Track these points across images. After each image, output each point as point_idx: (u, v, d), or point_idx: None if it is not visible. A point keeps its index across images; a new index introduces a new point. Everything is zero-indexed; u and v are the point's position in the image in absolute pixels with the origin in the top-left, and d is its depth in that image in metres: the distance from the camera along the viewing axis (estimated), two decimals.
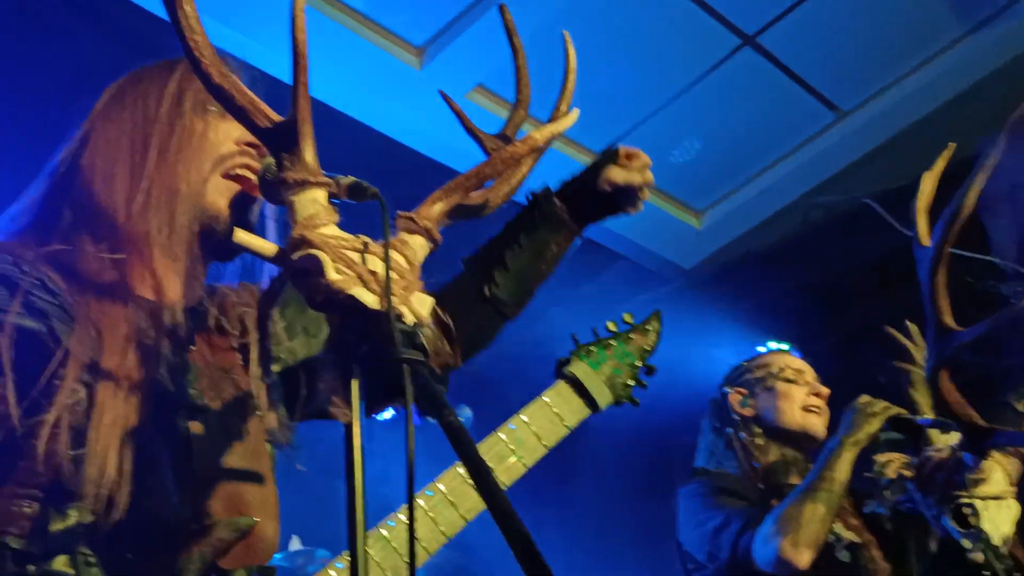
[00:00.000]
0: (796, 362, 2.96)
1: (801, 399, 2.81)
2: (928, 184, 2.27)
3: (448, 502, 1.54)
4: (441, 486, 1.55)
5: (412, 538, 1.00)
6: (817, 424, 2.80)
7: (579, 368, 1.81)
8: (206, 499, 1.36)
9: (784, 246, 6.28)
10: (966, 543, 2.53)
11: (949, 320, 2.15)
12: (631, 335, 1.94)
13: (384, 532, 1.48)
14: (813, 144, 5.60)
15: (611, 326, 1.95)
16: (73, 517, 1.25)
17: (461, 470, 1.54)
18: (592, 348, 1.88)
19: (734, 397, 2.88)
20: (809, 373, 2.90)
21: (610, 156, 1.79)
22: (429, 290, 1.75)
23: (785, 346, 3.05)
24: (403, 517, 1.51)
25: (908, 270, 2.35)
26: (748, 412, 2.84)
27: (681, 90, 5.14)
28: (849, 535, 2.63)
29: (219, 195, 1.47)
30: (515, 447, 1.65)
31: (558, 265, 1.80)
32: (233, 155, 1.48)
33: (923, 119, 5.32)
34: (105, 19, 3.97)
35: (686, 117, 5.34)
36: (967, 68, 5.06)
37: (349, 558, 1.00)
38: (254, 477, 1.44)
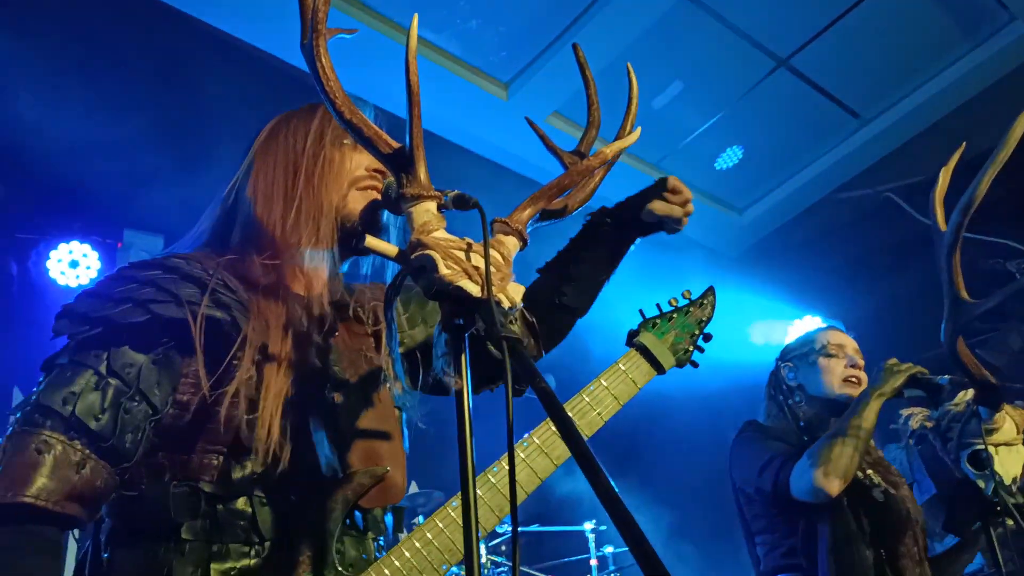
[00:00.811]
0: (839, 337, 2.85)
1: (840, 372, 2.72)
2: (944, 177, 2.21)
3: (541, 451, 1.55)
4: (535, 438, 1.57)
5: (512, 480, 1.02)
6: (855, 393, 2.71)
7: (646, 337, 1.80)
8: (348, 453, 1.40)
9: (816, 236, 6.15)
10: (981, 483, 2.48)
11: (964, 294, 2.10)
12: (690, 308, 1.92)
13: (490, 477, 1.50)
14: (840, 147, 5.46)
15: (673, 301, 1.93)
16: (249, 467, 1.30)
17: (551, 426, 1.55)
18: (657, 320, 1.87)
19: (783, 370, 2.83)
20: (850, 347, 2.80)
21: (659, 187, 1.76)
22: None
23: (836, 324, 2.94)
24: (504, 464, 1.52)
25: (925, 253, 2.30)
26: (795, 383, 2.78)
27: (725, 107, 5.06)
28: (884, 484, 2.57)
29: (354, 206, 1.51)
30: (594, 404, 1.66)
31: (616, 263, 1.81)
32: (364, 178, 1.52)
33: (936, 123, 5.15)
34: (255, 72, 4.09)
35: (729, 130, 5.26)
36: (974, 78, 4.88)
37: (461, 498, 1.02)
38: (386, 435, 1.48)
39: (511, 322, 1.65)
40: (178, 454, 1.30)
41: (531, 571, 5.45)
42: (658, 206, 1.74)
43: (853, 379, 2.71)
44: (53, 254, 4.61)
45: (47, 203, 4.61)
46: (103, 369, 1.26)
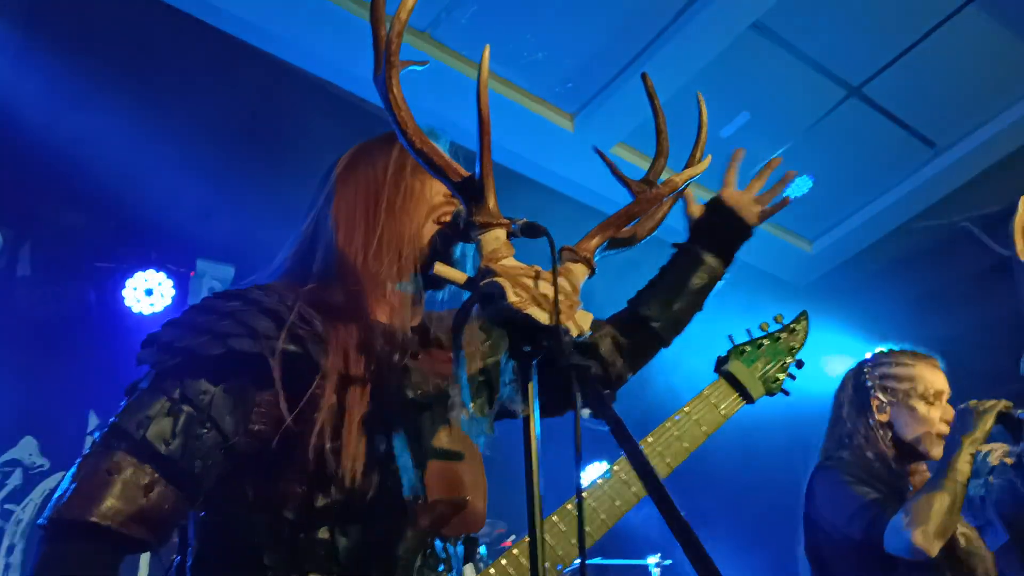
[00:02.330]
0: (940, 382, 2.68)
1: (936, 427, 2.56)
2: (1023, 205, 2.13)
3: (623, 482, 1.52)
4: (617, 468, 1.53)
5: (581, 522, 1.00)
6: (938, 452, 2.54)
7: (735, 366, 1.76)
8: (429, 480, 1.39)
9: (889, 267, 5.99)
10: None
11: None
12: (781, 334, 1.87)
13: (569, 506, 1.47)
14: (913, 177, 5.32)
15: (764, 327, 1.89)
16: (331, 496, 1.30)
17: None
18: (746, 347, 1.83)
19: (875, 401, 2.64)
20: (946, 394, 2.64)
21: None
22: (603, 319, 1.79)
23: (936, 358, 2.73)
24: (588, 495, 1.51)
25: (1001, 284, 2.21)
26: (884, 418, 2.61)
27: (794, 137, 4.99)
28: (964, 527, 2.45)
29: (431, 235, 1.50)
30: (681, 435, 1.62)
31: (704, 296, 1.80)
32: (443, 205, 1.52)
33: (1014, 152, 4.98)
34: (329, 106, 4.19)
35: (798, 160, 5.17)
36: None
37: (529, 530, 1.00)
38: (468, 462, 1.46)
39: (586, 347, 1.65)
40: (262, 482, 1.32)
41: None
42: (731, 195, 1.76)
43: (943, 435, 2.56)
44: (129, 283, 4.74)
45: (123, 233, 4.77)
46: (177, 396, 1.29)
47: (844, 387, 2.76)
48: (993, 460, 2.52)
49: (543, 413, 1.56)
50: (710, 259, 1.80)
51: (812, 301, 6.20)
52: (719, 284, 1.82)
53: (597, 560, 5.68)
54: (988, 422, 2.35)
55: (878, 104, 4.76)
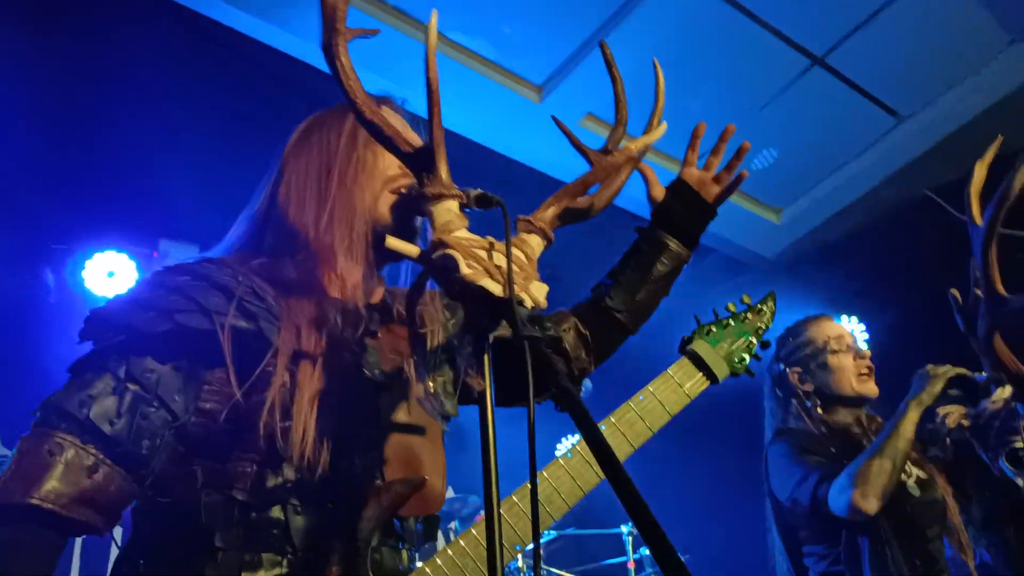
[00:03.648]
0: (835, 329, 2.80)
1: (852, 368, 2.67)
2: (979, 171, 2.15)
3: (585, 462, 1.50)
4: (580, 449, 1.51)
5: (535, 499, 0.99)
6: (871, 387, 2.67)
7: (700, 345, 1.73)
8: (387, 459, 1.37)
9: (852, 237, 6.03)
10: (1020, 481, 2.42)
11: (1000, 288, 2.04)
12: (747, 315, 1.85)
13: (514, 497, 1.46)
14: (877, 146, 5.34)
15: (730, 307, 1.87)
16: (283, 475, 1.28)
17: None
18: (712, 327, 1.80)
19: (792, 376, 2.75)
20: (848, 336, 2.75)
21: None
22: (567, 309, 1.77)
23: (825, 314, 2.86)
24: (545, 475, 1.48)
25: (963, 252, 2.24)
26: (808, 387, 2.72)
27: (760, 106, 4.98)
28: (918, 472, 2.52)
29: (387, 208, 1.48)
30: (643, 414, 1.59)
31: (670, 282, 1.77)
32: (398, 177, 1.49)
33: (974, 120, 5.01)
34: (292, 81, 4.11)
35: (763, 131, 5.18)
36: (1012, 73, 4.73)
37: (484, 506, 0.98)
38: (427, 442, 1.44)
39: (557, 339, 1.63)
40: (211, 462, 1.29)
41: (569, 574, 5.41)
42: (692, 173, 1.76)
43: (865, 371, 2.66)
44: (89, 264, 4.63)
45: (82, 213, 4.65)
46: (122, 374, 1.25)
47: (767, 383, 2.84)
48: (951, 423, 2.57)
49: (499, 402, 1.55)
50: (674, 244, 1.76)
51: (778, 270, 6.28)
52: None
53: (571, 530, 5.73)
54: (937, 386, 2.42)
55: (842, 73, 4.76)
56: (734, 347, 1.78)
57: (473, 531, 1.36)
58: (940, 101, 4.99)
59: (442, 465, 1.46)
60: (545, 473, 1.46)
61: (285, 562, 1.26)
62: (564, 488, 1.46)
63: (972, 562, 2.52)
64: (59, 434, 1.20)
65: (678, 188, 1.83)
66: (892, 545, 2.37)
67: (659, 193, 1.85)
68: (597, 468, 1.50)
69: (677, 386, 1.66)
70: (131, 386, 1.25)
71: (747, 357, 1.80)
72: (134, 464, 1.24)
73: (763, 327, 1.86)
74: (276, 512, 1.27)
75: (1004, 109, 4.88)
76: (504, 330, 1.09)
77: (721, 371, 1.72)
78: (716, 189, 1.82)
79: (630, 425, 1.57)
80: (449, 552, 1.34)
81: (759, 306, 1.88)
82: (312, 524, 1.28)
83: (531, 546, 1.52)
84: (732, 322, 1.82)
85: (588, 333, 1.70)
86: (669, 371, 1.68)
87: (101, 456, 1.21)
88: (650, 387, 1.64)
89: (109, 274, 4.60)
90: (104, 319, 1.30)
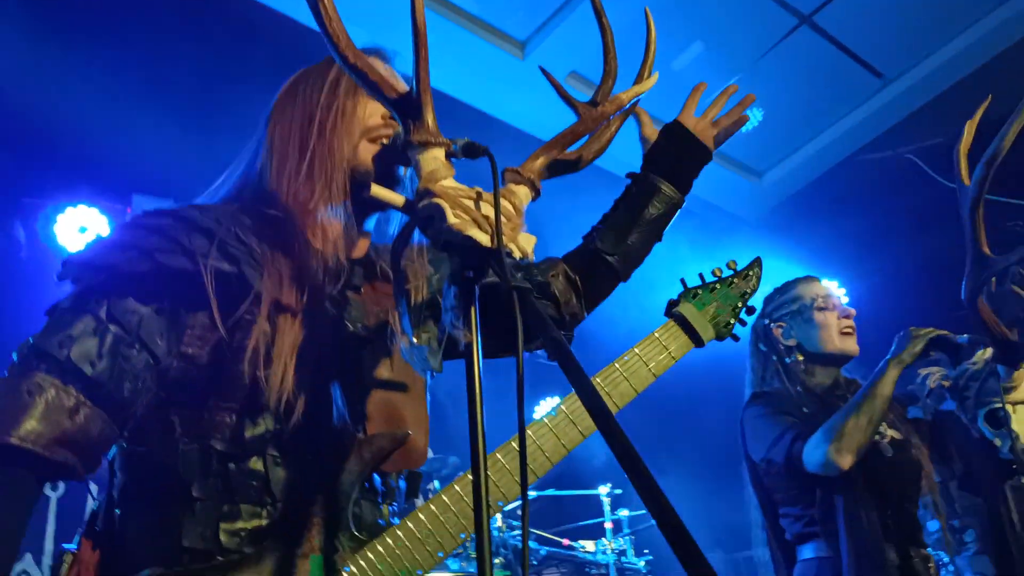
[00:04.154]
0: (822, 288, 2.82)
1: (836, 325, 2.69)
2: (969, 131, 2.15)
3: (569, 421, 1.48)
4: (564, 407, 1.49)
5: (523, 442, 0.98)
6: (852, 344, 2.70)
7: (686, 308, 1.72)
8: (369, 414, 1.36)
9: (836, 199, 6.05)
10: (997, 441, 2.46)
11: (986, 249, 2.05)
12: (734, 279, 1.84)
13: (514, 444, 1.44)
14: (861, 108, 5.34)
15: (717, 272, 1.86)
16: (263, 425, 1.27)
17: None
18: (699, 291, 1.79)
19: (776, 331, 2.77)
20: (835, 296, 2.78)
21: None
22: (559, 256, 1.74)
23: (812, 275, 2.89)
24: (530, 433, 1.46)
25: (945, 216, 2.25)
26: (792, 343, 2.74)
27: (746, 68, 4.95)
28: (892, 433, 2.56)
29: (368, 157, 1.45)
30: (627, 375, 1.58)
31: (662, 227, 1.73)
32: (379, 127, 1.46)
33: (959, 82, 5.02)
34: (267, 31, 4.02)
35: (750, 92, 5.14)
36: (999, 35, 4.73)
37: (471, 460, 0.98)
38: (410, 398, 1.43)
39: (546, 283, 1.60)
40: (189, 411, 1.27)
41: (547, 535, 5.47)
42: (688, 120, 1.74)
43: (848, 330, 2.68)
44: (60, 219, 4.54)
45: (54, 167, 4.55)
46: (103, 315, 1.23)
47: (751, 340, 2.85)
48: (931, 383, 2.60)
49: (486, 353, 1.54)
50: (666, 187, 1.72)
51: (762, 233, 6.30)
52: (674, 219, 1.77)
53: (550, 492, 5.78)
54: (917, 346, 2.44)
55: (828, 33, 4.73)
56: (720, 311, 1.77)
57: (456, 486, 1.36)
58: (925, 63, 4.99)
59: (425, 421, 1.45)
60: (529, 431, 1.46)
61: (264, 513, 1.25)
62: (548, 446, 1.46)
63: (945, 524, 2.57)
64: (39, 374, 1.17)
65: (673, 129, 1.78)
66: (866, 505, 2.40)
67: (651, 133, 1.81)
68: (581, 426, 1.49)
69: (663, 348, 1.65)
70: (112, 327, 1.22)
71: (733, 321, 1.80)
72: (115, 407, 1.22)
73: (749, 292, 1.85)
74: (255, 463, 1.26)
75: (989, 73, 4.89)
76: (491, 278, 1.07)
77: (707, 334, 1.71)
78: (713, 131, 1.78)
79: (615, 385, 1.57)
80: (432, 507, 1.33)
81: (746, 271, 1.88)
82: (292, 476, 1.27)
83: (511, 505, 1.51)
84: (719, 286, 1.82)
85: (577, 278, 1.67)
86: (655, 333, 1.68)
87: (82, 398, 1.18)
88: (636, 348, 1.63)
89: (81, 229, 4.52)
90: (84, 260, 1.27)
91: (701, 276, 1.85)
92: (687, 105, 1.81)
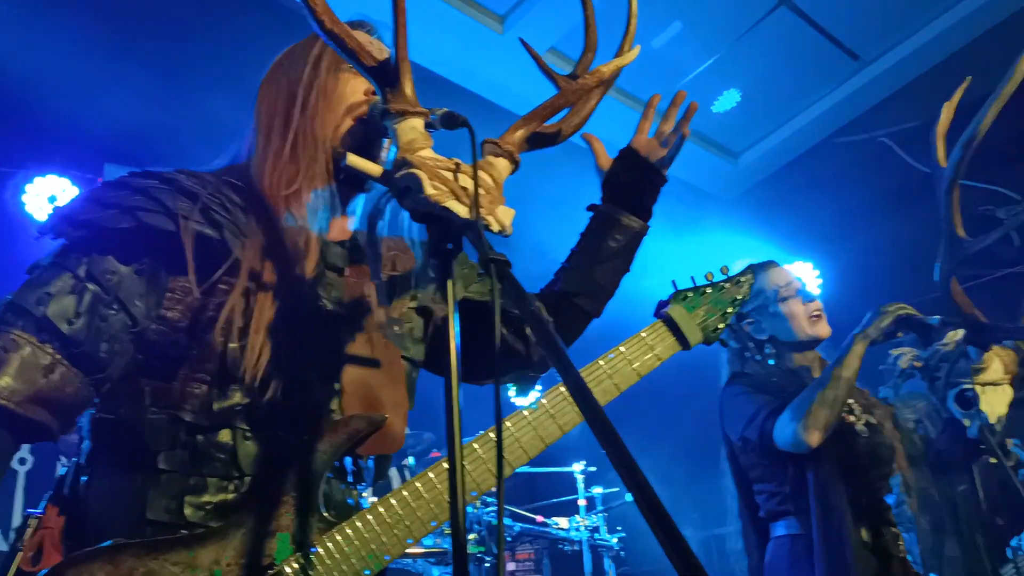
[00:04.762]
0: (782, 275, 2.80)
1: (802, 311, 2.69)
2: (946, 113, 2.15)
3: (549, 415, 1.46)
4: (544, 401, 1.47)
5: (499, 425, 0.97)
6: (824, 328, 2.70)
7: (675, 310, 1.69)
8: (347, 396, 1.34)
9: (811, 181, 6.09)
10: (967, 422, 2.48)
11: (961, 231, 2.06)
12: (726, 285, 1.82)
13: (491, 435, 1.40)
14: (837, 91, 5.36)
15: (709, 276, 1.85)
16: (234, 398, 1.25)
17: (562, 389, 1.48)
18: (689, 294, 1.77)
19: (747, 327, 2.77)
20: (795, 282, 2.77)
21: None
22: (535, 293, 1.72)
23: (771, 261, 2.87)
24: (508, 424, 1.43)
25: (918, 199, 2.25)
26: (764, 337, 2.74)
27: (724, 47, 4.94)
28: (867, 417, 2.58)
29: (349, 134, 1.43)
30: (612, 373, 1.56)
31: (629, 258, 1.71)
32: (361, 104, 1.44)
33: (934, 67, 5.05)
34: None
35: (728, 72, 5.14)
36: (974, 20, 4.75)
37: (447, 442, 0.96)
38: (390, 381, 1.41)
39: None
40: (160, 380, 1.25)
41: (521, 511, 5.50)
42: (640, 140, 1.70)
43: (816, 313, 2.69)
44: (29, 188, 4.45)
45: (23, 135, 4.44)
46: (82, 273, 1.21)
47: (724, 336, 2.85)
48: (903, 363, 2.62)
49: (467, 377, 1.52)
50: (625, 218, 1.71)
51: (738, 214, 6.33)
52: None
53: (524, 469, 5.80)
54: (884, 321, 2.44)
55: (806, 14, 4.73)
56: (710, 315, 1.76)
57: (430, 474, 1.33)
58: (901, 47, 5.01)
59: (404, 405, 1.42)
60: (508, 423, 1.43)
61: (231, 487, 1.23)
62: (525, 439, 1.43)
63: (916, 505, 2.60)
64: (14, 331, 1.15)
65: (626, 156, 1.77)
66: (837, 482, 2.42)
67: (606, 163, 1.79)
68: (560, 421, 1.47)
69: (648, 348, 1.63)
70: (91, 286, 1.21)
71: (722, 326, 1.78)
72: (92, 367, 1.20)
73: (740, 298, 1.84)
74: (224, 436, 1.24)
75: (965, 57, 4.92)
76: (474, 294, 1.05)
77: (694, 337, 1.70)
78: (663, 152, 1.76)
79: (598, 382, 1.54)
80: (404, 492, 1.31)
81: (738, 277, 1.87)
82: (262, 451, 1.26)
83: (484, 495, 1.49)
84: (710, 290, 1.80)
85: (551, 320, 1.67)
86: (642, 333, 1.65)
87: (58, 356, 1.17)
88: (621, 347, 1.61)
89: (51, 199, 4.43)
90: (65, 213, 1.25)
91: (692, 279, 1.84)
92: (640, 127, 1.79)
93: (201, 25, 3.96)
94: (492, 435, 1.40)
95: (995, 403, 2.49)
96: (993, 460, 2.46)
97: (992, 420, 2.47)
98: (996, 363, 2.48)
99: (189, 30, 4.01)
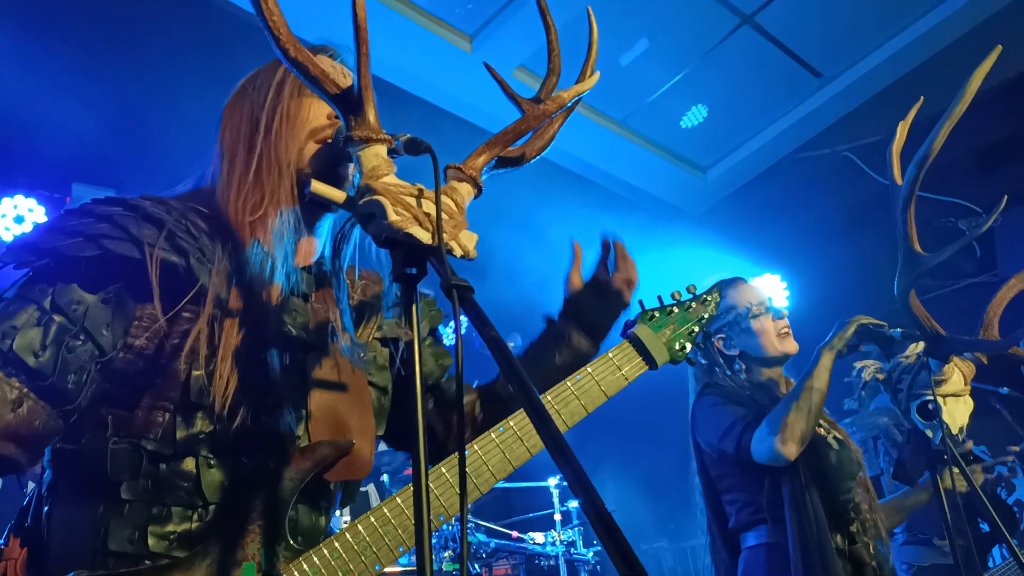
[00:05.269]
0: (753, 292, 2.83)
1: (772, 328, 2.72)
2: (901, 131, 2.19)
3: (517, 437, 1.45)
4: (512, 423, 1.46)
5: (462, 445, 0.98)
6: (791, 344, 2.74)
7: (642, 330, 1.69)
8: (314, 422, 1.33)
9: (777, 195, 6.17)
10: (929, 433, 2.51)
11: (917, 247, 2.10)
12: (692, 303, 1.82)
13: (443, 468, 1.39)
14: (801, 107, 5.45)
15: (676, 295, 1.85)
16: (197, 426, 1.23)
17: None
18: (656, 313, 1.76)
19: (718, 343, 2.79)
20: (763, 301, 2.80)
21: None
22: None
23: (739, 278, 2.87)
24: (476, 447, 1.42)
25: (881, 212, 2.29)
26: (735, 353, 2.77)
27: (690, 64, 5.01)
28: (836, 432, 2.62)
29: (314, 157, 1.42)
30: (579, 394, 1.55)
31: (569, 373, 1.62)
32: (325, 127, 1.43)
33: (895, 83, 5.15)
34: (207, 21, 3.94)
35: (694, 88, 5.22)
36: (933, 37, 4.86)
37: (412, 463, 0.96)
38: (357, 407, 1.40)
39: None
40: (123, 409, 1.23)
41: (497, 527, 5.48)
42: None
43: (785, 331, 2.73)
44: None
45: None
46: (47, 304, 1.19)
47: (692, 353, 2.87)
48: (866, 376, 2.65)
49: (389, 443, 1.54)
50: (577, 338, 1.69)
51: (707, 228, 6.39)
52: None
53: (500, 484, 5.78)
54: (848, 331, 2.49)
55: (769, 33, 4.81)
56: (676, 334, 1.76)
57: (398, 499, 1.32)
58: (862, 64, 5.11)
59: (372, 430, 1.41)
60: (475, 445, 1.43)
61: (195, 516, 1.22)
62: (493, 461, 1.43)
63: (880, 518, 2.62)
64: None
65: (600, 286, 1.74)
66: (814, 490, 2.44)
67: (577, 283, 1.76)
68: (528, 443, 1.46)
69: (616, 368, 1.62)
70: (57, 317, 1.19)
71: (688, 345, 1.78)
72: (60, 399, 1.18)
73: (707, 317, 1.85)
74: (188, 464, 1.23)
75: (923, 74, 5.03)
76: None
77: (661, 357, 1.69)
78: (629, 291, 1.76)
79: (566, 403, 1.53)
80: (371, 519, 1.30)
81: (705, 296, 1.88)
82: (226, 479, 1.24)
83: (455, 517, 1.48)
84: (676, 309, 1.80)
85: (481, 416, 1.66)
86: (609, 353, 1.65)
87: (25, 390, 1.15)
88: (588, 368, 1.60)
89: (18, 219, 4.38)
90: (28, 242, 1.23)
91: (660, 299, 1.84)
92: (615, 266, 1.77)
93: (172, 48, 3.94)
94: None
95: (956, 414, 2.52)
96: (955, 470, 2.49)
97: (955, 431, 2.50)
98: (956, 374, 2.52)
99: (161, 53, 3.99)
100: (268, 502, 1.23)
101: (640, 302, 1.81)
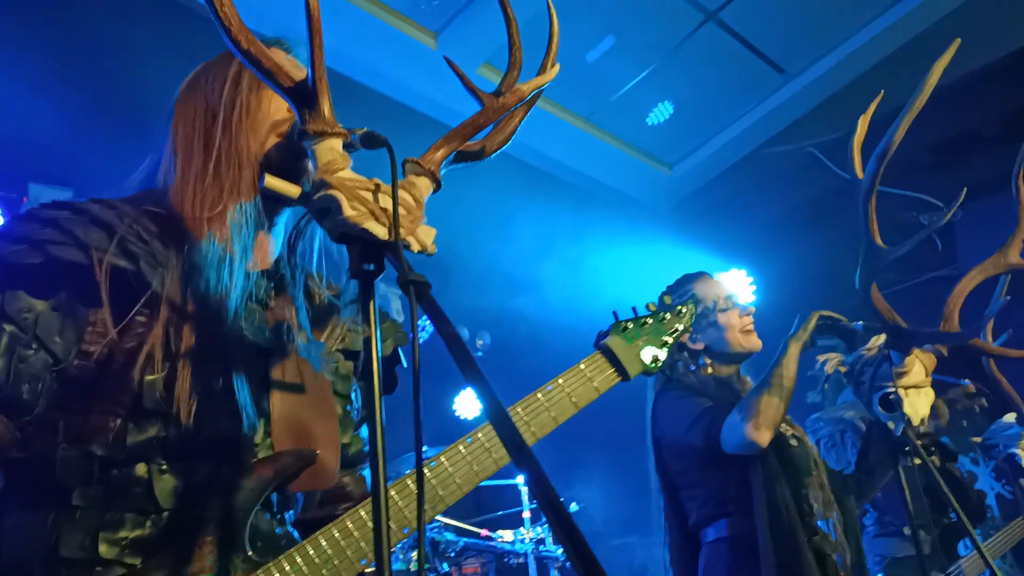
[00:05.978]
0: (720, 288, 2.85)
1: (738, 323, 2.74)
2: (862, 126, 2.21)
3: (485, 449, 1.42)
4: (480, 434, 1.43)
5: (420, 466, 0.95)
6: (755, 341, 2.76)
7: (615, 341, 1.68)
8: (276, 430, 1.30)
9: (742, 191, 6.21)
10: (891, 424, 2.54)
11: (878, 240, 2.12)
12: (666, 315, 1.81)
13: (426, 470, 1.36)
14: (765, 103, 5.49)
15: (650, 307, 1.84)
16: (150, 432, 1.20)
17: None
18: (629, 324, 1.74)
19: (684, 337, 2.81)
20: (730, 296, 2.82)
21: None
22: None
23: (705, 272, 2.89)
24: (443, 459, 1.39)
25: (846, 206, 2.31)
26: (699, 347, 2.78)
27: (657, 61, 5.02)
28: (792, 429, 2.64)
29: (275, 149, 1.39)
30: (549, 405, 1.52)
31: None
32: (286, 120, 1.40)
33: (858, 78, 5.20)
34: (168, 14, 3.87)
35: (660, 85, 5.23)
36: (895, 33, 4.92)
37: (370, 460, 0.94)
38: (321, 415, 1.37)
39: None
40: (73, 415, 1.20)
41: (466, 525, 5.46)
42: None
43: (749, 327, 2.75)
44: None
45: None
46: None
47: None
48: (829, 369, 2.68)
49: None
50: None
51: (674, 224, 6.41)
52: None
53: None
54: (811, 321, 2.52)
55: (733, 29, 4.84)
56: (649, 345, 1.75)
57: (360, 511, 1.30)
58: (824, 60, 5.15)
59: (335, 441, 1.38)
60: (443, 457, 1.40)
61: (148, 523, 1.19)
62: (460, 473, 1.40)
63: (833, 515, 2.63)
64: None
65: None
66: (782, 482, 2.46)
67: None
68: (496, 455, 1.43)
69: (587, 380, 1.60)
70: (7, 327, 1.16)
71: (662, 357, 1.76)
72: (15, 410, 1.16)
73: (680, 329, 1.84)
74: (140, 470, 1.20)
75: (884, 70, 5.09)
76: None
77: (633, 368, 1.67)
78: None
79: (535, 415, 1.50)
80: (334, 531, 1.27)
81: (679, 308, 1.87)
82: (181, 486, 1.21)
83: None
84: (650, 320, 1.79)
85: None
86: (580, 365, 1.62)
87: None
88: (559, 379, 1.57)
89: None
90: None
91: (634, 310, 1.83)
92: None
93: (130, 43, 3.87)
94: (425, 470, 1.37)
95: (918, 405, 2.55)
96: (917, 461, 2.52)
97: (916, 422, 2.53)
98: (917, 366, 2.55)
99: (117, 48, 3.92)
100: (226, 511, 1.20)
101: (614, 313, 1.80)
